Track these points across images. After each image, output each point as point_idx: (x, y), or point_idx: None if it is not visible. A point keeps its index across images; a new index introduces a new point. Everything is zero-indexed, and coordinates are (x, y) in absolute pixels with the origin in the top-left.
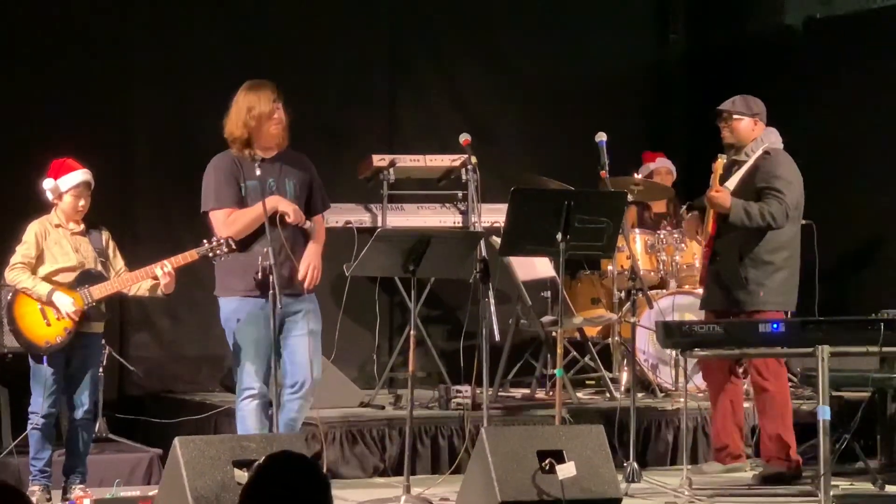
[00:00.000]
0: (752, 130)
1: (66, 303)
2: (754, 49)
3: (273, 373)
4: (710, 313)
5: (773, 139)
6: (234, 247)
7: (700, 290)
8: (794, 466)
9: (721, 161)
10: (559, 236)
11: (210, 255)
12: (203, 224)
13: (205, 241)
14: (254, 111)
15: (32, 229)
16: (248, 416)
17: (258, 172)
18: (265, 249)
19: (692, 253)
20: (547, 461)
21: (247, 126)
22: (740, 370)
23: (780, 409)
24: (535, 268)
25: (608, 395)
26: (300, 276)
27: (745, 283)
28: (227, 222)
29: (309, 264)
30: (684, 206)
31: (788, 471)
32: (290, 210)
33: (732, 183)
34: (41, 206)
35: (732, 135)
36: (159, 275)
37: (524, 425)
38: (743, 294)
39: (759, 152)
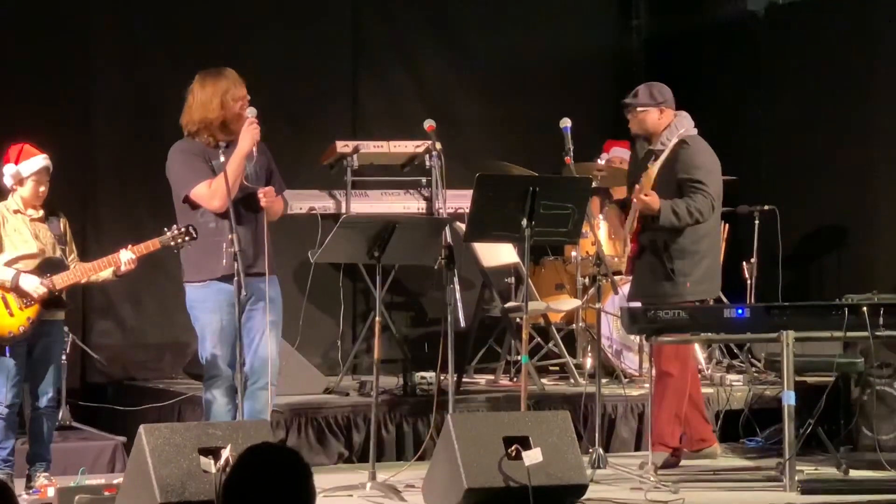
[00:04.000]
0: (658, 120)
1: (34, 284)
2: (716, 35)
3: (238, 359)
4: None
5: (686, 124)
6: (195, 236)
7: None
8: (678, 453)
9: (651, 171)
10: (524, 222)
11: (172, 244)
12: (170, 212)
13: (166, 229)
14: (231, 93)
15: None
16: (214, 401)
17: (222, 159)
18: (230, 236)
19: None
20: (513, 447)
21: (225, 108)
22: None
23: (678, 395)
24: (498, 254)
25: (572, 381)
26: (260, 199)
27: (672, 275)
28: (210, 192)
29: (269, 190)
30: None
31: (671, 457)
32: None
33: (651, 173)
34: None
35: (639, 126)
36: (122, 263)
37: (489, 412)
38: (669, 286)
39: (675, 140)
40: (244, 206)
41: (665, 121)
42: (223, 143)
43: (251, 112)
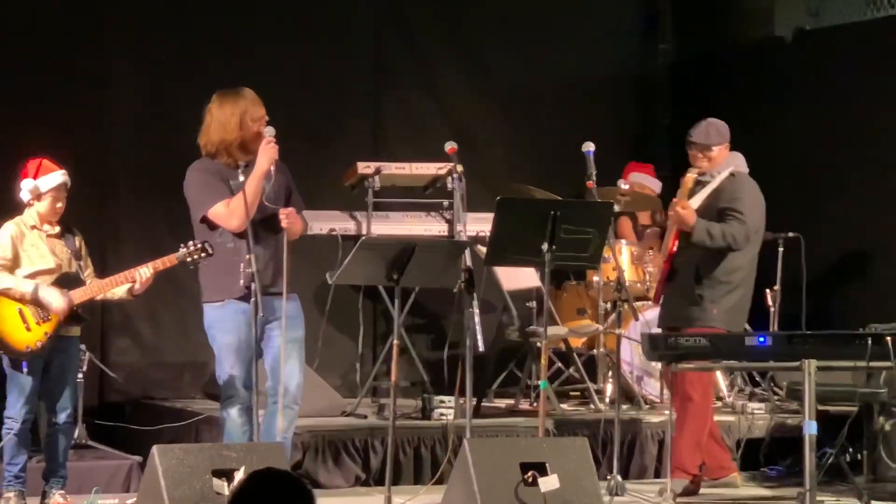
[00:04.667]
0: (724, 155)
1: (55, 296)
2: (743, 60)
3: (255, 379)
4: (665, 330)
5: (738, 163)
6: (210, 252)
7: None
8: (698, 480)
9: (691, 176)
10: (545, 246)
11: (188, 259)
12: (188, 227)
13: (182, 245)
14: (250, 113)
15: (7, 231)
16: (231, 422)
17: (241, 178)
18: (247, 256)
19: None
20: (529, 474)
21: (243, 128)
22: None
23: (700, 421)
24: (519, 277)
25: (593, 406)
26: (281, 220)
27: (700, 300)
28: (228, 212)
29: (290, 211)
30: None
31: (691, 484)
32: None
33: (696, 202)
34: (11, 207)
35: (710, 164)
36: (138, 279)
37: (507, 437)
38: (697, 311)
39: (726, 174)
40: (263, 225)
41: (725, 156)
42: (242, 163)
43: (269, 131)
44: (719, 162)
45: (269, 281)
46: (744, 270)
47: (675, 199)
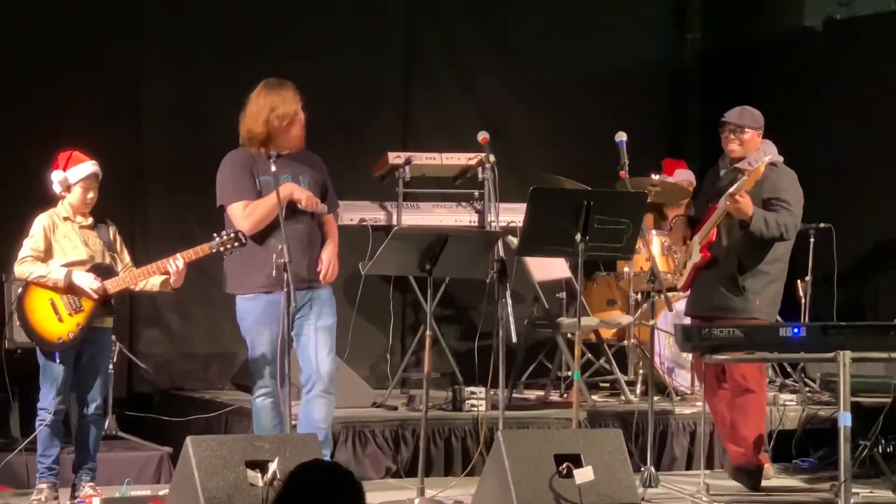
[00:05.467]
0: (756, 142)
1: (88, 279)
2: (773, 50)
3: (288, 370)
4: (696, 319)
5: (772, 151)
6: (244, 241)
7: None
8: (760, 467)
9: (760, 167)
10: (578, 237)
11: (222, 249)
12: (218, 219)
13: (216, 235)
14: (277, 111)
15: (40, 222)
16: (261, 414)
17: (273, 168)
18: (280, 246)
19: None
20: (564, 465)
21: (268, 125)
22: None
23: (759, 411)
24: (550, 268)
25: (623, 398)
26: (321, 275)
27: (743, 291)
28: (244, 214)
29: (329, 262)
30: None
31: (757, 468)
32: (303, 196)
33: (734, 191)
34: (47, 199)
35: (742, 147)
36: (171, 269)
37: (539, 428)
38: (740, 301)
39: (766, 161)
40: (295, 217)
41: (757, 144)
42: (273, 153)
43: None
44: (751, 148)
45: (304, 273)
46: (781, 262)
47: (731, 189)
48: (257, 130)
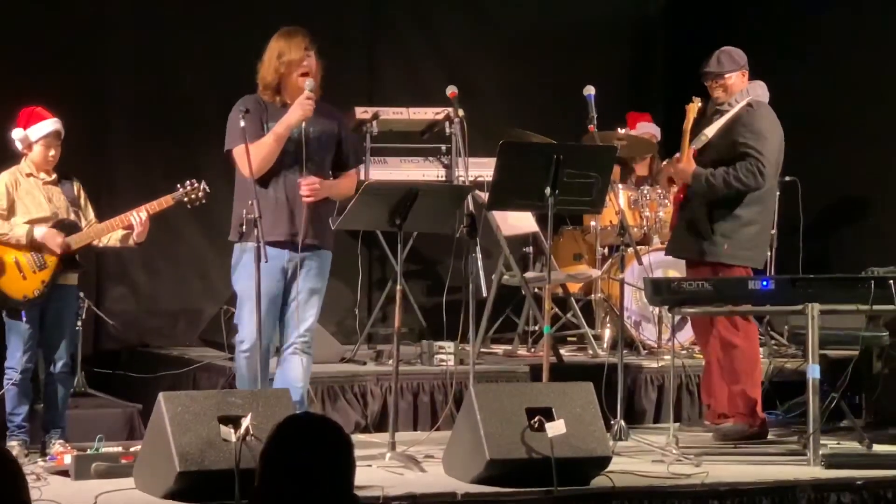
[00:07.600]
0: (742, 83)
1: (50, 235)
2: (739, 1)
3: (276, 326)
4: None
5: (759, 92)
6: (208, 191)
7: None
8: (758, 423)
9: (694, 105)
10: (548, 191)
11: (185, 199)
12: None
13: (179, 185)
14: (283, 57)
15: (2, 180)
16: (243, 368)
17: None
18: (250, 202)
19: None
20: (536, 419)
21: (277, 72)
22: None
23: (749, 365)
24: (517, 222)
25: (591, 352)
26: (301, 190)
27: (711, 233)
28: (243, 157)
29: (313, 181)
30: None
31: (751, 428)
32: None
33: (711, 131)
34: (10, 157)
35: (726, 93)
36: (134, 222)
37: (508, 382)
38: (707, 244)
39: (743, 103)
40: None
41: (744, 83)
42: (287, 102)
43: (309, 85)
44: (736, 90)
45: (305, 233)
46: (761, 205)
47: (676, 155)
48: (269, 78)
